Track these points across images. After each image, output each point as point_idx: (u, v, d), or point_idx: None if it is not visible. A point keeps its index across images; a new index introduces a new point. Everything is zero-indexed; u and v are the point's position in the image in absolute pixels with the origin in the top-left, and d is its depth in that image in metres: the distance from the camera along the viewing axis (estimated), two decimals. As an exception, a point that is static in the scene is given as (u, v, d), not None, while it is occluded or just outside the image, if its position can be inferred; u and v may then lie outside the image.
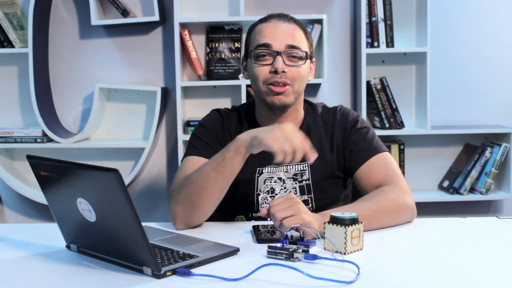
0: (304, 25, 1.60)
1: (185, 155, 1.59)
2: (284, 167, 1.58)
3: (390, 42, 2.76)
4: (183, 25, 2.78)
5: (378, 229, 1.38)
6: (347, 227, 1.18)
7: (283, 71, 1.50)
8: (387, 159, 1.54)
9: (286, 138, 1.30)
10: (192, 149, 1.59)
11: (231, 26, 2.82)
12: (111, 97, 2.93)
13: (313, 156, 1.32)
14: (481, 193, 2.80)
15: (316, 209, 1.57)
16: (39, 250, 1.26)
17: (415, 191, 2.86)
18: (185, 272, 1.07)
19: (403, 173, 2.83)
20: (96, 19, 2.70)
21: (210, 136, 1.60)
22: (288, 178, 1.57)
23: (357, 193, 1.71)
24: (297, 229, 1.23)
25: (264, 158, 1.58)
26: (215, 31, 2.83)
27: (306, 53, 1.55)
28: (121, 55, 2.90)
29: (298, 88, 1.54)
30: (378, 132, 2.73)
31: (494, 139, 2.87)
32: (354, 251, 1.20)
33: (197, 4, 2.85)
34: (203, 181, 1.40)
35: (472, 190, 2.84)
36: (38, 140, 2.78)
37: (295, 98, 1.55)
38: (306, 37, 1.58)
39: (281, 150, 1.29)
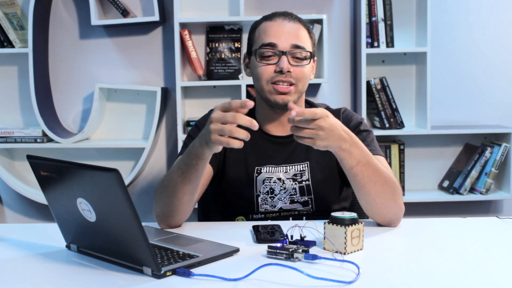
0: (308, 24, 1.60)
1: (179, 154, 1.59)
2: (284, 167, 1.58)
3: (390, 42, 2.76)
4: (183, 25, 2.78)
5: (365, 191, 1.38)
6: (347, 227, 1.18)
7: (288, 71, 1.50)
8: (383, 162, 1.53)
9: (218, 128, 1.24)
10: (185, 148, 1.59)
11: (231, 26, 2.82)
12: (111, 97, 2.93)
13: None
14: (481, 193, 2.80)
15: (316, 210, 1.57)
16: (39, 250, 1.26)
17: (415, 191, 2.88)
18: (185, 272, 1.07)
19: (403, 173, 2.83)
20: (96, 19, 2.70)
21: None
22: (287, 178, 1.57)
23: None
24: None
25: (262, 157, 1.59)
26: (215, 31, 2.83)
27: (311, 53, 1.55)
28: (121, 55, 2.90)
29: (302, 88, 1.55)
30: (378, 132, 2.73)
31: (494, 139, 2.87)
32: (354, 251, 1.20)
33: (197, 4, 2.85)
34: (172, 187, 1.40)
35: (472, 190, 2.83)
36: (38, 140, 2.78)
37: (298, 97, 1.55)
38: (310, 36, 1.58)
39: (223, 142, 1.24)
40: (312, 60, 1.57)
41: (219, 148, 1.30)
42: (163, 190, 1.43)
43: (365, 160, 1.36)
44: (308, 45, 1.56)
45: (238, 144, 1.23)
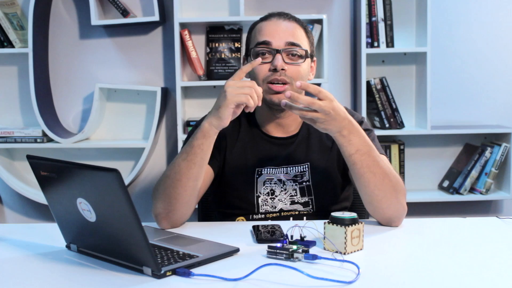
0: (305, 24, 1.60)
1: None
2: (284, 168, 1.57)
3: (390, 42, 2.76)
4: (183, 25, 2.78)
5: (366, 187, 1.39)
6: (347, 227, 1.18)
7: (282, 69, 1.50)
8: (386, 161, 1.53)
9: (236, 89, 1.35)
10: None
11: (231, 26, 2.82)
12: (111, 97, 2.93)
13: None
14: (481, 193, 2.80)
15: (316, 210, 1.57)
16: (39, 250, 1.26)
17: (415, 191, 2.88)
18: (185, 272, 1.07)
19: (403, 173, 2.83)
20: (96, 19, 2.70)
21: None
22: (288, 179, 1.57)
23: (358, 194, 1.70)
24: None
25: (262, 158, 1.58)
26: (215, 31, 2.83)
27: (306, 51, 1.54)
28: (121, 55, 2.90)
29: None
30: (378, 132, 2.73)
31: (494, 139, 2.87)
32: (354, 251, 1.20)
33: (197, 4, 2.85)
34: (176, 173, 1.41)
35: (472, 190, 2.83)
36: (38, 140, 2.78)
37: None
38: (307, 35, 1.58)
39: (243, 99, 1.34)
40: (309, 59, 1.57)
41: (226, 122, 1.37)
42: (165, 182, 1.43)
43: (365, 149, 1.37)
44: (304, 43, 1.55)
45: (253, 104, 1.34)
